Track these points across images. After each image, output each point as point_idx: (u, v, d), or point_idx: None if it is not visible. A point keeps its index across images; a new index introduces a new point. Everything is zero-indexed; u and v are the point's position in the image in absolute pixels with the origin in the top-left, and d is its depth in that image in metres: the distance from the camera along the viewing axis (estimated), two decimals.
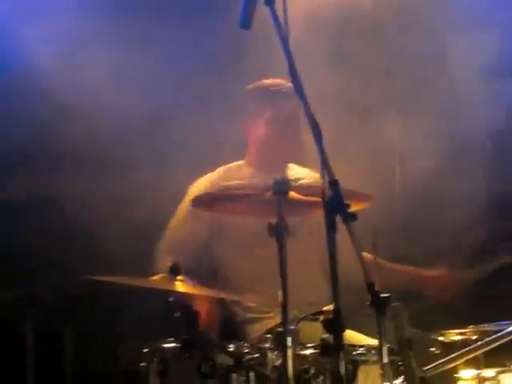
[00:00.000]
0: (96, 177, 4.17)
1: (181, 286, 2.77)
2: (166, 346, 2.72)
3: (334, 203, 2.27)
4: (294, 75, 2.33)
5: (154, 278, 2.93)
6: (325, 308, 2.74)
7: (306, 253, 3.39)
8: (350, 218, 2.25)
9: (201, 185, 3.55)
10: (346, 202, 2.27)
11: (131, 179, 4.03)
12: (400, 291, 2.90)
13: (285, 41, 2.33)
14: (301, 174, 3.54)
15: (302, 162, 3.64)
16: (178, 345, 2.66)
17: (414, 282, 3.55)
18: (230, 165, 3.63)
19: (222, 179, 3.51)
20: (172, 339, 2.71)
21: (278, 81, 3.50)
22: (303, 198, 2.76)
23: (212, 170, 3.62)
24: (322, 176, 2.30)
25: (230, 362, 2.62)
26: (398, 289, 3.11)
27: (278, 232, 2.64)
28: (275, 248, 2.58)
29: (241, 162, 3.63)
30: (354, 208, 2.30)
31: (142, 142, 4.04)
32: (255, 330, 3.35)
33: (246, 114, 3.56)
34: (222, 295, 3.24)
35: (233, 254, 3.44)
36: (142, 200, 3.97)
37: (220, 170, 3.62)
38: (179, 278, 2.80)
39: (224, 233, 3.44)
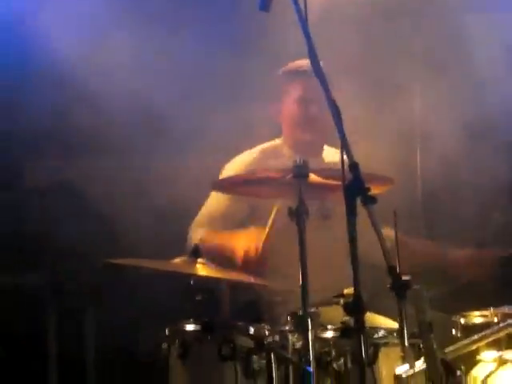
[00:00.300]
0: (115, 162, 4.19)
1: (202, 268, 2.77)
2: (186, 328, 2.73)
3: (354, 186, 2.26)
4: (313, 58, 2.32)
5: (175, 260, 2.94)
6: (345, 291, 2.75)
7: (335, 237, 3.37)
8: (370, 201, 2.24)
9: (236, 165, 3.53)
10: (367, 185, 2.26)
11: (150, 164, 4.05)
12: (425, 271, 2.91)
13: (304, 24, 2.31)
14: (334, 156, 3.53)
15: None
16: (199, 327, 2.67)
17: (440, 261, 3.53)
18: (265, 145, 3.60)
19: (257, 160, 3.50)
20: (193, 322, 2.72)
21: (306, 61, 3.49)
22: (324, 181, 2.75)
23: (249, 148, 3.59)
24: (342, 159, 2.29)
25: (250, 344, 2.63)
26: (423, 267, 3.12)
27: (298, 215, 2.64)
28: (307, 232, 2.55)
29: (277, 142, 3.61)
30: (374, 191, 2.29)
31: (162, 127, 4.04)
32: (282, 313, 3.35)
33: (278, 96, 3.56)
34: (245, 278, 3.25)
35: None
36: (161, 185, 3.98)
37: (255, 150, 3.58)
38: (200, 260, 2.81)
39: (259, 214, 3.41)
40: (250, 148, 3.62)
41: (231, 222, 3.46)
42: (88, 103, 3.94)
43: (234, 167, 3.52)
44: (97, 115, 3.94)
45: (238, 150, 3.66)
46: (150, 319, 4.03)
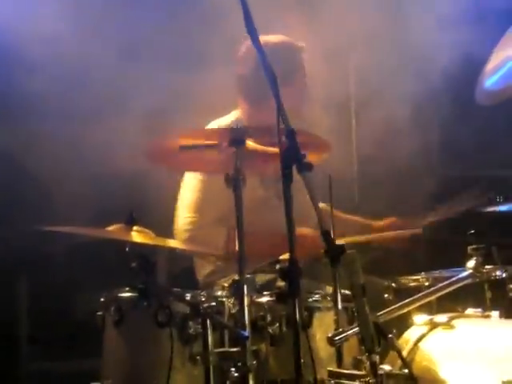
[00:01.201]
0: (50, 127, 4.12)
1: (137, 236, 2.76)
2: (122, 295, 2.72)
3: (291, 153, 2.27)
4: (248, 20, 2.30)
5: (110, 228, 2.92)
6: (281, 257, 2.77)
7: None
8: (305, 168, 2.26)
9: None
10: (303, 151, 2.27)
11: (86, 129, 3.99)
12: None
13: None
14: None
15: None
16: (135, 294, 2.67)
17: (366, 232, 3.58)
18: (232, 117, 3.48)
19: None
20: (128, 289, 2.71)
21: (294, 46, 3.43)
22: (260, 148, 2.75)
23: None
24: (278, 125, 2.29)
25: (186, 310, 2.64)
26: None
27: (235, 183, 2.64)
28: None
29: (239, 115, 3.50)
30: (311, 158, 2.30)
31: (100, 91, 3.97)
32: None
33: (242, 71, 3.42)
34: (180, 246, 3.24)
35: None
36: (97, 150, 3.93)
37: (230, 117, 3.47)
38: (135, 228, 2.79)
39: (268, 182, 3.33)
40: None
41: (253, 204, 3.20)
42: (24, 69, 3.86)
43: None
44: (33, 81, 3.86)
45: (176, 114, 3.61)
46: (85, 287, 4.01)
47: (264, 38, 3.39)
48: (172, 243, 3.08)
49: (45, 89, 3.86)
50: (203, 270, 3.46)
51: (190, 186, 3.40)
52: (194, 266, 3.52)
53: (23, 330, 4.20)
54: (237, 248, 2.48)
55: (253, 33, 2.30)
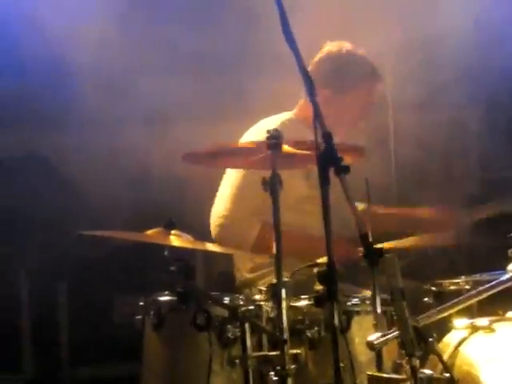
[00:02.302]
0: (88, 134, 4.17)
1: (176, 239, 2.78)
2: (161, 298, 2.74)
3: (327, 156, 2.27)
4: (285, 27, 2.30)
5: (149, 232, 2.94)
6: (319, 260, 2.77)
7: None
8: (342, 170, 2.25)
9: (258, 132, 3.35)
10: (339, 155, 2.27)
11: (123, 137, 4.03)
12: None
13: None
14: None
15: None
16: (174, 298, 2.68)
17: (410, 223, 3.55)
18: (282, 117, 3.48)
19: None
20: (167, 292, 2.73)
21: (368, 58, 3.44)
22: (297, 151, 2.75)
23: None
24: (315, 129, 2.29)
25: (225, 314, 2.65)
26: (395, 233, 3.14)
27: (272, 186, 2.65)
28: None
29: (291, 116, 3.50)
30: (347, 161, 2.30)
31: (135, 98, 4.01)
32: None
33: (329, 80, 3.39)
34: (218, 250, 3.25)
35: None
36: (135, 156, 3.96)
37: (275, 120, 3.46)
38: (173, 232, 2.81)
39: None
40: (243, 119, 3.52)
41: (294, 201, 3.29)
42: (63, 76, 3.91)
43: (256, 135, 3.38)
44: (71, 87, 3.91)
45: (218, 122, 3.63)
46: (124, 291, 4.05)
47: (339, 44, 3.45)
48: (210, 247, 3.09)
49: (83, 96, 3.91)
50: (243, 269, 3.47)
51: (231, 177, 3.42)
52: (234, 264, 3.52)
53: (64, 334, 4.24)
54: (270, 245, 2.50)
55: (288, 34, 2.30)
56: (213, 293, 2.76)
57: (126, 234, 3.00)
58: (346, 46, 3.49)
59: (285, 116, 3.52)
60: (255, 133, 3.45)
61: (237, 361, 2.61)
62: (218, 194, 3.46)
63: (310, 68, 3.35)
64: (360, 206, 2.66)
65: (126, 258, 4.05)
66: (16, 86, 3.97)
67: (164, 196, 4.02)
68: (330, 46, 3.50)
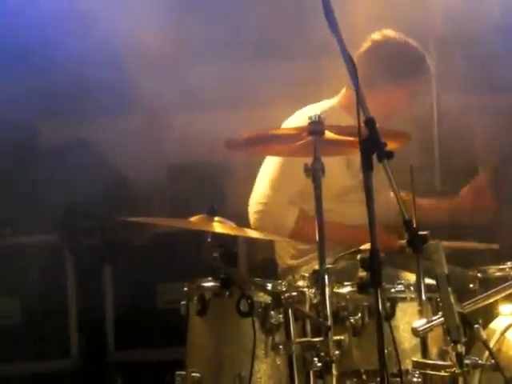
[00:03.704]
0: (131, 121, 4.20)
1: (219, 226, 2.79)
2: (205, 284, 2.75)
3: (370, 142, 2.25)
4: (329, 16, 2.28)
5: (192, 219, 2.96)
6: (362, 246, 2.75)
7: None
8: (386, 156, 2.23)
9: (301, 119, 3.31)
10: (382, 140, 2.25)
11: (165, 124, 4.05)
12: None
13: None
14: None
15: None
16: (217, 284, 2.70)
17: (452, 212, 3.51)
18: (324, 105, 3.45)
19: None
20: (211, 278, 2.75)
21: (419, 49, 3.38)
22: (339, 137, 2.74)
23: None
24: (358, 114, 2.27)
25: (268, 300, 2.66)
26: (438, 225, 3.11)
27: (314, 172, 2.64)
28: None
29: (333, 104, 3.47)
30: (390, 147, 2.28)
31: (176, 85, 4.02)
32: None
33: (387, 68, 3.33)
34: (260, 237, 3.26)
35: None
36: (177, 144, 3.98)
37: (316, 107, 3.41)
38: (216, 218, 2.82)
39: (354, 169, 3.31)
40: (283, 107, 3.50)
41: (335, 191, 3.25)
42: (103, 62, 3.94)
43: (297, 122, 3.33)
44: (111, 74, 3.94)
45: (259, 109, 3.62)
46: (168, 277, 4.08)
47: (384, 33, 3.40)
48: (252, 233, 3.09)
49: (124, 83, 3.93)
50: (285, 255, 3.48)
51: (270, 164, 3.42)
52: (276, 251, 3.53)
53: (109, 320, 4.29)
54: (307, 233, 2.48)
55: (331, 21, 2.29)
56: (256, 279, 2.77)
57: (169, 220, 3.03)
58: (392, 34, 3.43)
59: (327, 104, 3.50)
60: (297, 120, 3.44)
61: (280, 347, 2.62)
62: (258, 180, 3.46)
63: (356, 59, 3.32)
64: (402, 195, 2.63)
65: (170, 245, 4.08)
66: (58, 71, 4.00)
67: (206, 183, 4.04)
68: (376, 35, 3.44)
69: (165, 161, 4.15)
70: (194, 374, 2.66)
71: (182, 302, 2.77)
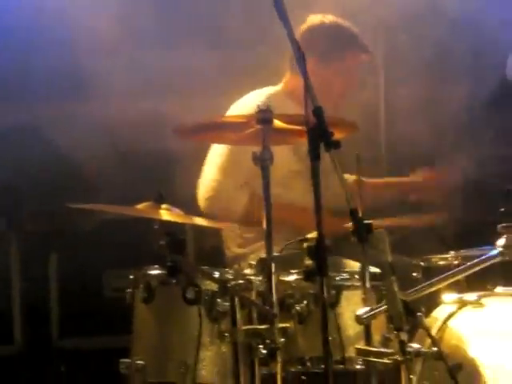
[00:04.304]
0: (79, 106, 4.14)
1: (166, 213, 2.78)
2: (151, 272, 2.74)
3: (318, 131, 2.26)
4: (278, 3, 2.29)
5: (139, 206, 2.94)
6: (309, 235, 2.77)
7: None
8: (333, 145, 2.25)
9: (246, 106, 3.36)
10: (330, 129, 2.26)
11: (114, 111, 4.01)
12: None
13: None
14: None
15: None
16: (164, 271, 2.69)
17: (401, 190, 3.57)
18: (268, 91, 3.48)
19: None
20: (157, 266, 2.73)
21: (354, 27, 3.45)
22: (288, 126, 2.74)
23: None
24: (306, 103, 2.28)
25: (215, 288, 2.66)
26: (388, 202, 3.15)
27: (262, 161, 2.64)
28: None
29: (277, 90, 3.51)
30: (338, 136, 2.29)
31: (128, 72, 3.98)
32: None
33: (313, 50, 3.36)
34: (208, 224, 3.26)
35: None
36: (125, 129, 3.95)
37: (262, 93, 3.46)
38: (163, 206, 2.81)
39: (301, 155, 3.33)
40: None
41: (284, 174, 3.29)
42: (47, 45, 3.88)
43: (243, 108, 3.39)
44: (60, 60, 3.88)
45: (207, 96, 3.61)
46: (114, 264, 4.05)
47: (322, 16, 3.44)
48: (200, 221, 3.09)
49: (74, 68, 3.88)
50: (232, 244, 3.48)
51: (218, 150, 3.41)
52: (223, 240, 3.53)
53: (54, 307, 4.25)
54: (258, 216, 2.49)
55: (280, 8, 2.29)
56: (203, 267, 2.76)
57: (116, 207, 3.00)
58: (329, 17, 3.49)
59: (270, 90, 3.52)
60: (242, 107, 3.44)
61: (226, 334, 2.62)
62: (206, 166, 3.46)
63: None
64: (350, 177, 2.65)
65: (116, 232, 4.05)
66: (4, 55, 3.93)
67: (154, 170, 4.01)
68: (312, 18, 3.48)
69: (113, 147, 4.11)
70: (138, 362, 2.65)
71: (128, 290, 2.76)
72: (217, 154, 3.41)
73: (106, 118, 4.00)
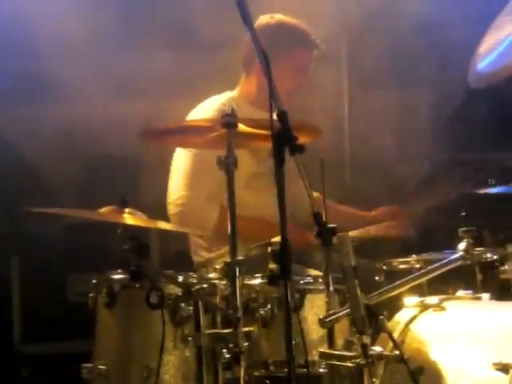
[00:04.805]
0: (40, 110, 4.11)
1: (129, 218, 2.76)
2: (114, 276, 2.72)
3: (283, 135, 2.27)
4: (241, 4, 2.30)
5: (102, 210, 2.92)
6: (273, 239, 2.78)
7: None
8: (297, 150, 2.26)
9: (206, 110, 3.36)
10: (295, 134, 2.27)
11: (77, 113, 3.98)
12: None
13: None
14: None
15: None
16: (127, 276, 2.67)
17: (360, 223, 3.59)
18: (225, 96, 3.48)
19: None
20: (120, 270, 2.72)
21: (302, 24, 3.46)
22: (252, 130, 2.75)
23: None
24: (271, 107, 2.29)
25: (178, 292, 2.65)
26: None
27: (227, 165, 2.64)
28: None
29: (234, 95, 3.51)
30: (302, 141, 2.31)
31: (89, 73, 3.96)
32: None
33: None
34: (172, 228, 3.25)
35: None
36: (88, 134, 3.92)
37: (224, 97, 3.47)
38: (127, 210, 2.80)
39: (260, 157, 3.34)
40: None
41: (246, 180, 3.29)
42: (13, 49, 3.84)
43: (203, 112, 3.39)
44: (24, 62, 3.85)
45: (170, 100, 3.61)
46: (77, 269, 4.01)
47: (269, 16, 3.45)
48: (164, 225, 3.08)
49: (35, 70, 3.85)
50: (199, 249, 3.47)
51: (182, 159, 3.40)
52: (190, 246, 3.52)
53: (16, 311, 4.20)
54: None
55: (244, 12, 2.30)
56: (167, 271, 2.75)
57: (79, 211, 2.98)
58: (277, 16, 3.50)
59: (228, 94, 3.53)
60: (202, 111, 3.44)
61: (189, 338, 2.62)
62: (171, 177, 3.43)
63: (245, 43, 3.36)
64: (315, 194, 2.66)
65: (80, 236, 4.02)
66: None
67: (118, 174, 3.99)
68: (260, 19, 3.50)
69: (77, 151, 4.08)
70: (100, 367, 2.63)
71: (90, 295, 2.74)
72: (181, 165, 3.39)
73: (69, 122, 3.97)
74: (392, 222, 3.59)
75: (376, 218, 3.66)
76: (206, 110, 3.42)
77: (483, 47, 3.37)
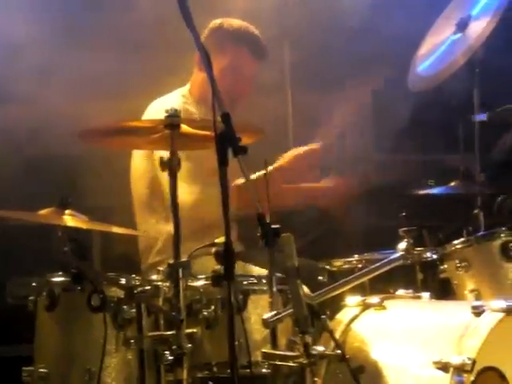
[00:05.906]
0: None
1: (70, 219, 2.73)
2: (54, 279, 2.69)
3: (226, 136, 2.27)
4: (183, 5, 2.30)
5: (42, 212, 2.88)
6: (216, 240, 2.78)
7: None
8: (240, 151, 2.26)
9: (159, 109, 3.27)
10: (238, 135, 2.28)
11: (18, 114, 3.92)
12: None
13: None
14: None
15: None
16: (67, 278, 2.64)
17: (307, 196, 3.60)
18: (175, 95, 3.48)
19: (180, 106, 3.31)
20: (61, 273, 2.68)
21: (246, 25, 3.48)
22: (196, 131, 2.74)
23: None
24: (214, 108, 2.29)
25: (120, 294, 2.63)
26: (294, 207, 3.18)
27: (170, 166, 2.63)
28: None
29: (185, 93, 3.51)
30: (245, 142, 2.31)
31: (32, 73, 3.89)
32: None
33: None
34: (114, 230, 3.21)
35: None
36: (32, 134, 3.86)
37: (175, 95, 3.47)
38: (68, 212, 2.76)
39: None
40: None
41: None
42: None
43: (155, 112, 3.36)
44: None
45: (114, 99, 3.57)
46: (17, 271, 3.94)
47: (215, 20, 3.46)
48: (105, 227, 3.05)
49: None
50: (149, 251, 3.44)
51: (139, 181, 3.39)
52: (139, 248, 3.49)
53: None
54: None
55: (186, 14, 2.30)
56: (109, 274, 2.73)
57: (18, 213, 2.93)
58: (223, 19, 3.51)
59: (180, 92, 3.53)
60: (154, 111, 3.42)
61: (132, 341, 2.60)
62: (133, 192, 3.44)
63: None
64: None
65: (20, 238, 3.95)
66: None
67: (61, 176, 3.93)
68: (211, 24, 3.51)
69: (17, 152, 4.01)
70: (41, 370, 2.60)
71: (30, 298, 2.69)
72: (139, 186, 3.39)
73: (8, 122, 3.89)
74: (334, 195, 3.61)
75: (326, 186, 3.67)
76: (158, 109, 3.40)
77: (422, 50, 3.43)
